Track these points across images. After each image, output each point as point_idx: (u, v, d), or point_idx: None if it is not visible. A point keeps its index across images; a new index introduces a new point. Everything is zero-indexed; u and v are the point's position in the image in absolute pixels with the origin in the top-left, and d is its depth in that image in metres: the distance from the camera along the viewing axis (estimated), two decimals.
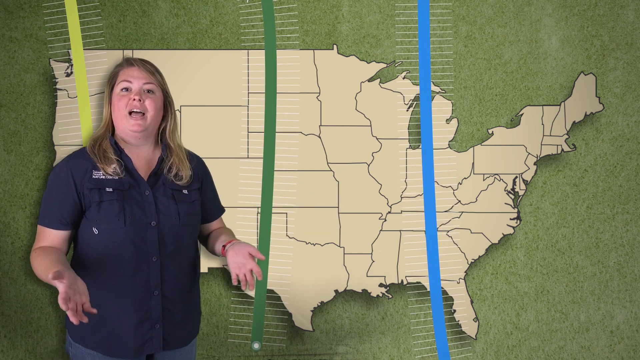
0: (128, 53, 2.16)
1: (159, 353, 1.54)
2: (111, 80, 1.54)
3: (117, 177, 1.47)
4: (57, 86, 2.16)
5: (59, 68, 2.15)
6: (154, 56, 2.16)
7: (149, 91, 1.52)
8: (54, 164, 2.15)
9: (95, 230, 1.45)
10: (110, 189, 1.46)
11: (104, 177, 1.47)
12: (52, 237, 1.48)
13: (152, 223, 1.48)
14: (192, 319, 1.60)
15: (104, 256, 1.46)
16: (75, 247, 1.53)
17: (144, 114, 1.50)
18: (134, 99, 1.48)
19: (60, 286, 1.22)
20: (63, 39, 2.16)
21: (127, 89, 1.51)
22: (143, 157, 1.55)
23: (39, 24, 2.16)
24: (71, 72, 2.16)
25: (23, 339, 2.17)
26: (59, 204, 1.47)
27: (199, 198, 1.60)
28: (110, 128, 1.55)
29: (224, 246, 1.57)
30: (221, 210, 1.75)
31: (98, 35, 2.16)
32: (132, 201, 1.48)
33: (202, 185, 1.64)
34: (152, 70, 1.54)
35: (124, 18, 2.17)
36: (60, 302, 1.21)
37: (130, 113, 1.49)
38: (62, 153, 2.15)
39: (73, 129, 2.16)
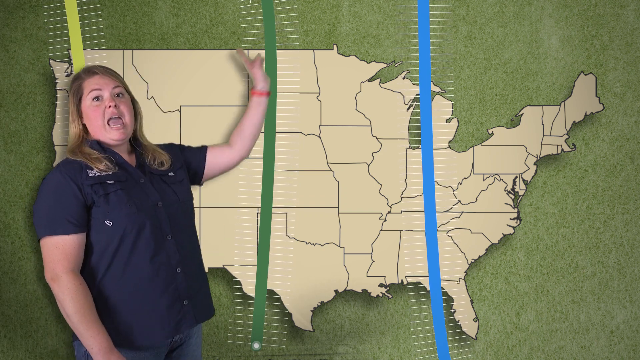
0: (128, 53, 2.17)
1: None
2: (77, 94, 1.54)
3: (111, 172, 1.50)
4: (57, 86, 2.16)
5: (59, 68, 2.15)
6: (154, 56, 2.17)
7: (119, 95, 1.55)
8: (54, 165, 2.16)
9: (109, 223, 1.45)
10: (112, 181, 1.49)
11: (99, 173, 1.48)
12: (70, 245, 1.43)
13: (159, 204, 1.52)
14: (208, 292, 1.67)
15: (122, 247, 1.46)
16: (87, 252, 1.48)
17: (121, 119, 1.53)
18: (110, 106, 1.51)
19: None
20: (63, 39, 2.16)
21: (98, 98, 1.52)
22: (124, 152, 1.60)
23: (39, 24, 2.16)
24: (71, 72, 2.16)
25: (23, 339, 2.17)
26: (65, 207, 1.43)
27: (186, 175, 1.67)
28: (83, 140, 1.55)
29: (252, 90, 1.84)
30: (203, 146, 1.80)
31: (98, 35, 2.16)
32: (134, 188, 1.51)
33: (184, 158, 1.72)
34: (115, 74, 1.58)
35: (124, 18, 2.17)
36: None
37: (108, 122, 1.52)
38: (62, 154, 2.15)
39: None
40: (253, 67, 1.90)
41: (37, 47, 2.15)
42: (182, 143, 1.80)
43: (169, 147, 1.73)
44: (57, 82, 2.16)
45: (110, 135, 1.52)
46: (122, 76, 1.63)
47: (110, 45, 2.17)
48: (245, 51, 2.19)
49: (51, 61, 2.16)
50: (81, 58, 2.16)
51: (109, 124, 1.52)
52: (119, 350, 1.46)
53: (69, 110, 1.56)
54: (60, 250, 1.42)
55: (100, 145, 1.54)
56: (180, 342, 1.62)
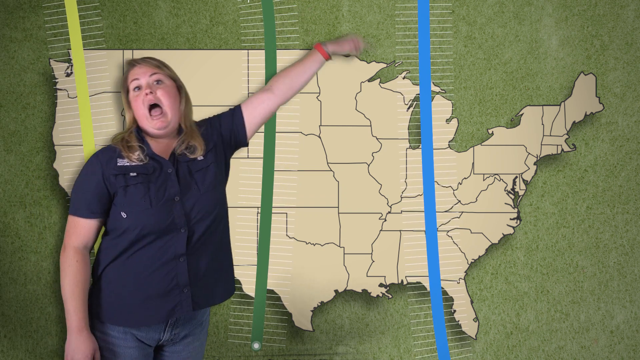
0: (128, 53, 2.17)
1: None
2: (124, 86, 1.62)
3: (141, 163, 1.55)
4: (57, 86, 2.16)
5: (59, 68, 2.15)
6: (154, 56, 2.16)
7: (158, 82, 1.59)
8: (54, 165, 2.16)
9: (124, 214, 1.52)
10: (135, 174, 1.53)
11: (128, 164, 1.54)
12: (83, 227, 1.54)
13: (176, 198, 1.54)
14: (222, 278, 1.66)
15: (134, 237, 1.52)
16: (104, 235, 1.59)
17: (162, 108, 1.57)
18: (146, 94, 1.56)
19: None
20: (63, 39, 2.16)
21: (138, 87, 1.58)
22: (164, 141, 1.62)
23: (39, 24, 2.16)
24: (71, 72, 2.16)
25: (23, 339, 2.17)
26: (88, 194, 1.53)
27: (215, 159, 1.66)
28: (136, 125, 1.63)
29: (318, 45, 1.91)
30: (237, 106, 1.78)
31: (98, 35, 2.16)
32: (157, 182, 1.54)
33: (220, 131, 1.71)
34: (155, 64, 1.62)
35: (124, 18, 2.17)
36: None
37: (150, 112, 1.56)
38: (62, 153, 2.15)
39: (73, 129, 2.16)
40: (346, 40, 1.99)
41: (37, 47, 2.15)
42: (217, 115, 1.79)
43: (207, 124, 1.73)
44: (57, 82, 2.16)
45: (152, 124, 1.57)
46: (166, 65, 1.64)
47: (110, 45, 2.17)
48: (246, 50, 2.19)
49: (51, 61, 2.16)
50: (81, 58, 2.16)
51: (150, 114, 1.57)
52: (109, 327, 1.55)
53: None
54: (74, 227, 1.55)
55: (140, 135, 1.59)
56: (172, 342, 1.62)
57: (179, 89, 1.65)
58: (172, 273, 1.54)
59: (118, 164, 1.54)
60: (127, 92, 1.61)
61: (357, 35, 2.02)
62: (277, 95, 1.80)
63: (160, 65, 1.62)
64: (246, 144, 1.78)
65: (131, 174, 1.53)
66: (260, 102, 1.78)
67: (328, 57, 1.92)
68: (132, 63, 1.62)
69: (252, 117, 1.76)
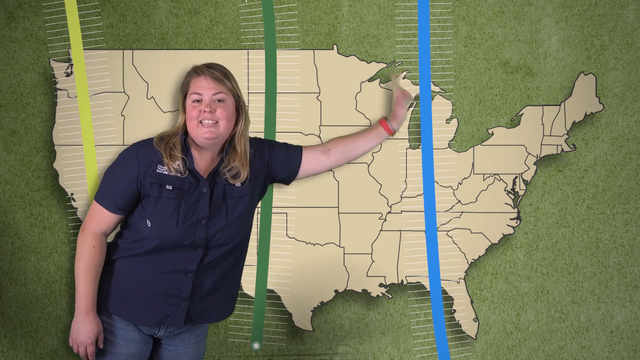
0: (128, 53, 2.17)
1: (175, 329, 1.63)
2: (183, 90, 1.59)
3: (179, 175, 1.53)
4: (57, 86, 2.16)
5: (59, 68, 2.15)
6: (153, 56, 2.17)
7: (219, 100, 1.56)
8: (54, 165, 2.16)
9: (149, 223, 1.52)
10: (170, 187, 1.52)
11: (167, 173, 1.53)
12: (106, 217, 1.55)
13: (202, 222, 1.54)
14: (222, 301, 1.66)
15: (153, 246, 1.53)
16: (125, 222, 1.59)
17: (217, 122, 1.54)
18: (205, 111, 1.53)
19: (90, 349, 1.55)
20: (63, 39, 2.16)
21: (198, 101, 1.55)
22: (208, 156, 1.60)
23: (39, 24, 2.16)
24: (71, 72, 2.16)
25: (23, 339, 2.17)
26: (118, 189, 1.53)
27: (251, 190, 1.62)
28: (184, 131, 1.59)
29: (383, 120, 1.83)
30: (298, 147, 1.74)
31: (98, 35, 2.16)
32: (188, 200, 1.53)
33: (268, 162, 1.68)
34: (220, 78, 1.57)
35: (124, 18, 2.17)
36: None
37: (201, 122, 1.54)
38: (62, 153, 2.15)
39: (73, 128, 2.16)
40: (399, 104, 1.87)
41: (37, 47, 2.15)
42: (273, 142, 1.74)
43: (257, 149, 1.68)
44: (57, 82, 2.16)
45: (201, 132, 1.53)
46: (230, 78, 1.59)
47: (110, 45, 2.17)
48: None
49: (51, 61, 2.16)
50: (81, 58, 2.16)
51: (201, 123, 1.54)
52: (118, 320, 1.58)
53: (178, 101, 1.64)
54: (97, 214, 1.56)
55: (186, 144, 1.57)
56: (167, 337, 1.64)
57: (240, 106, 1.61)
58: (177, 284, 1.55)
59: (157, 171, 1.52)
60: (185, 97, 1.58)
61: (398, 88, 1.89)
62: (331, 161, 1.77)
63: (224, 79, 1.57)
64: (288, 184, 1.76)
65: (167, 187, 1.52)
66: (316, 160, 1.74)
67: (392, 133, 1.85)
68: (197, 71, 1.57)
69: (304, 169, 1.73)
